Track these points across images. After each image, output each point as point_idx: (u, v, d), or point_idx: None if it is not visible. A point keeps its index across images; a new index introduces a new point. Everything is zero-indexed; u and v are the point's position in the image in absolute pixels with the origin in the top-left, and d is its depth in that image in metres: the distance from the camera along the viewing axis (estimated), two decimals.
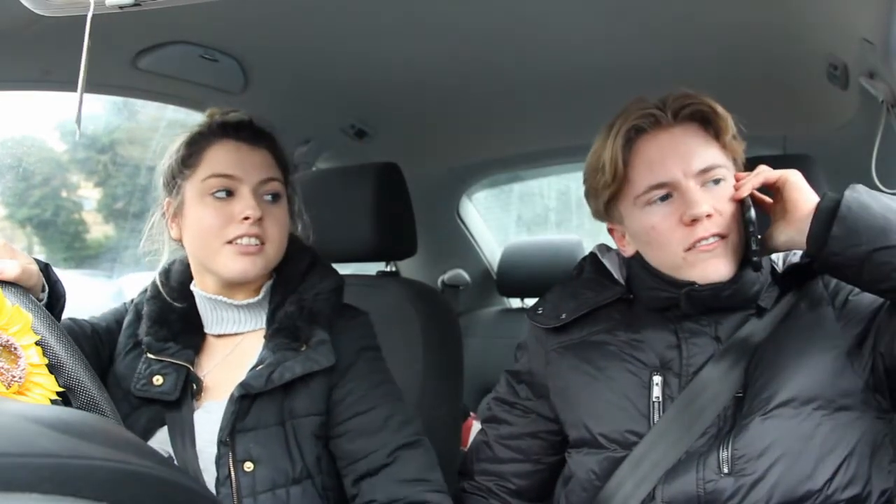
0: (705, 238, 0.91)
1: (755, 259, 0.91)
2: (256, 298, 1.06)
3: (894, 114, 1.03)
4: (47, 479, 0.44)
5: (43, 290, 0.86)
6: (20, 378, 0.70)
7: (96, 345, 1.06)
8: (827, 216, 0.85)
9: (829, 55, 1.19)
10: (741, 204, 0.93)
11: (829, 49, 1.18)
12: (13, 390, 0.70)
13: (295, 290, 1.06)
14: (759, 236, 0.92)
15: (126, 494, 0.48)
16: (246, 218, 0.99)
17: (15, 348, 0.71)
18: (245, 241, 0.99)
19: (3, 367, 0.69)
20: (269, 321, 1.05)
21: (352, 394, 1.02)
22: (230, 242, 1.00)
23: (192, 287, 1.08)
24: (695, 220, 0.91)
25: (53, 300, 0.88)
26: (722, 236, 0.92)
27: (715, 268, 0.92)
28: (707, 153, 0.94)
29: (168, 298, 1.07)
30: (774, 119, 1.45)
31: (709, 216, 0.91)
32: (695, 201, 0.91)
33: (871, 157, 1.05)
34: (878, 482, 0.88)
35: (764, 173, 0.93)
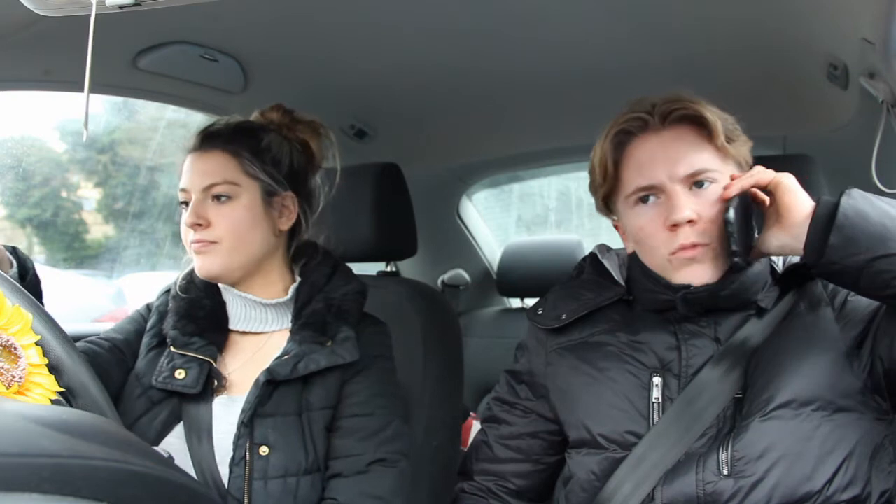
0: (686, 246, 0.91)
1: (735, 260, 0.90)
2: (285, 298, 1.10)
3: (894, 114, 1.02)
4: (47, 479, 0.44)
5: (11, 266, 0.92)
6: (20, 378, 0.70)
7: (119, 358, 1.10)
8: (824, 224, 0.84)
9: (829, 55, 1.19)
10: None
11: (829, 49, 1.18)
12: (13, 390, 0.70)
13: (321, 290, 1.10)
14: (757, 234, 0.91)
15: (126, 494, 0.48)
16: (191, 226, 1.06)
17: (15, 348, 0.71)
18: (197, 244, 1.06)
19: (3, 367, 0.69)
20: (296, 317, 1.08)
21: (355, 395, 1.05)
22: (192, 246, 1.07)
23: (221, 285, 1.11)
24: (676, 225, 0.91)
25: (23, 272, 0.95)
26: (702, 245, 0.92)
27: (696, 274, 0.92)
28: (696, 157, 0.93)
29: (196, 294, 1.10)
30: (774, 119, 1.44)
31: (690, 222, 0.91)
32: (676, 206, 0.91)
33: (871, 158, 1.05)
34: (878, 483, 0.88)
35: (756, 175, 0.91)
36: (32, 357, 0.72)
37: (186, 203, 1.08)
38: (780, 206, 0.89)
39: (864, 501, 0.87)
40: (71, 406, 0.75)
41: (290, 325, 1.09)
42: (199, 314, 1.09)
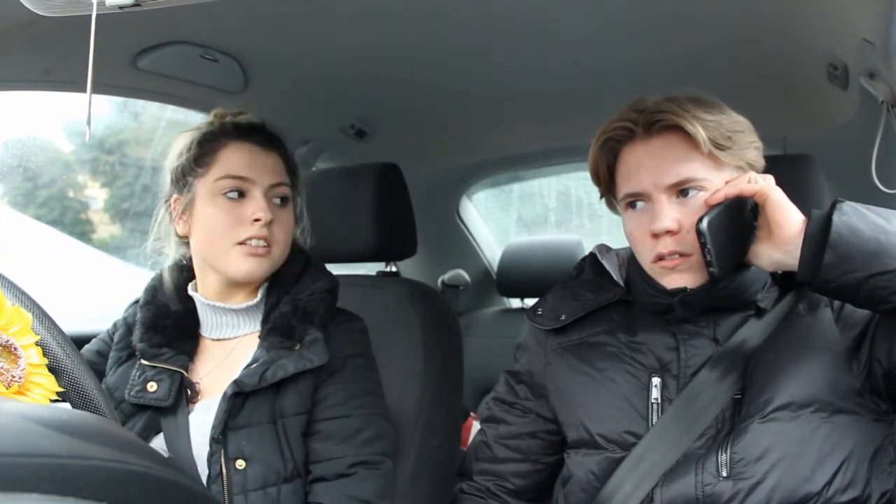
0: (665, 254, 0.91)
1: (712, 270, 0.88)
2: (254, 301, 1.07)
3: (894, 114, 1.02)
4: (47, 479, 0.44)
5: None
6: (20, 378, 0.70)
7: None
8: (817, 242, 0.83)
9: (829, 55, 1.19)
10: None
11: (829, 49, 1.18)
12: (13, 390, 0.70)
13: (289, 292, 1.07)
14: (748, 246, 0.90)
15: (126, 494, 0.48)
16: (257, 220, 1.01)
17: (15, 348, 0.71)
18: (254, 242, 1.01)
19: (3, 367, 0.69)
20: (265, 322, 1.06)
21: (331, 397, 1.03)
22: (241, 243, 1.02)
23: (191, 292, 1.09)
24: (657, 234, 0.91)
25: None
26: (683, 255, 0.91)
27: (677, 282, 0.93)
28: (684, 166, 0.91)
29: (163, 303, 1.08)
30: (774, 119, 1.43)
31: (670, 232, 0.91)
32: (657, 215, 0.91)
33: (871, 158, 1.05)
34: (878, 484, 0.88)
35: (740, 185, 0.89)
36: (32, 357, 0.72)
37: (238, 192, 1.02)
38: (770, 221, 0.87)
39: (865, 503, 0.87)
40: (71, 406, 0.75)
41: (259, 327, 1.06)
42: (167, 323, 1.06)
